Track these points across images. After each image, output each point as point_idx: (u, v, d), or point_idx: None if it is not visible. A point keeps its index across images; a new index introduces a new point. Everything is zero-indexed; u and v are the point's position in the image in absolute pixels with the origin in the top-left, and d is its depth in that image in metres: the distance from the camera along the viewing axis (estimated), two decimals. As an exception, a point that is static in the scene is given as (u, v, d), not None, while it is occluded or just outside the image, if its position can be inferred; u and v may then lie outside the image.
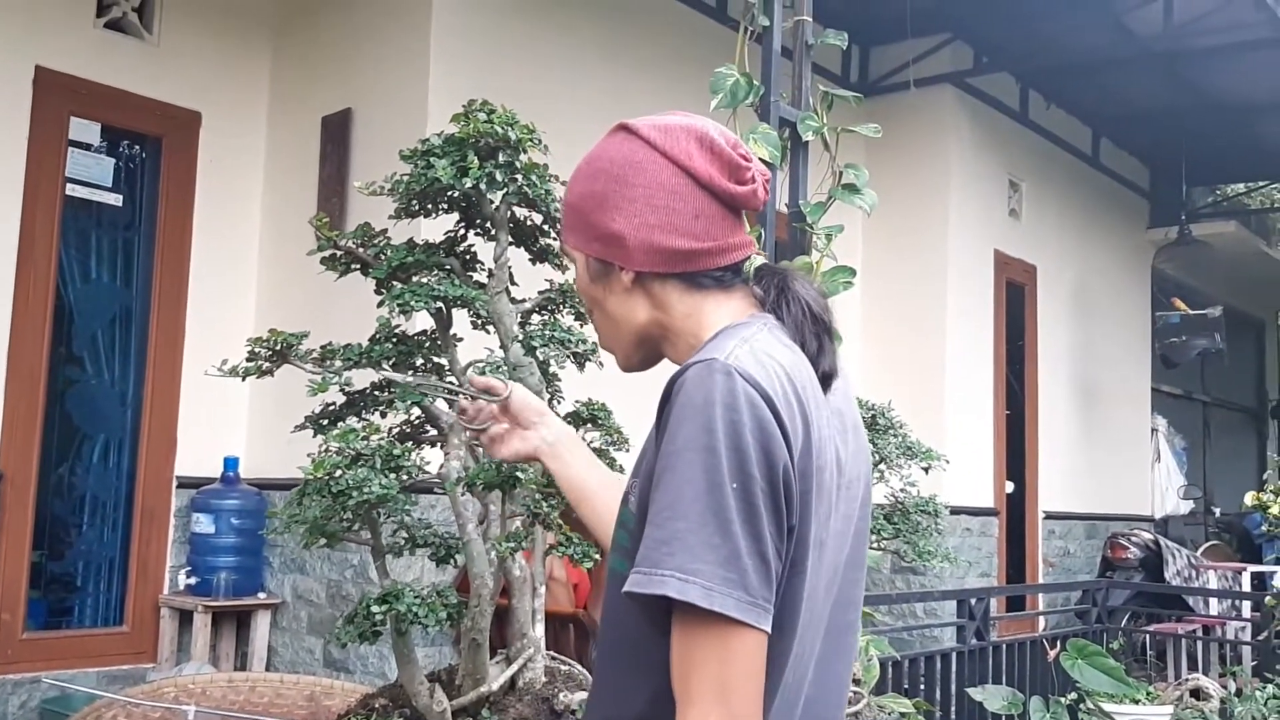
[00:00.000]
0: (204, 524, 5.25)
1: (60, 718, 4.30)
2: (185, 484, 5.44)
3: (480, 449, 1.60)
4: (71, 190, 5.23)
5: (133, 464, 5.42)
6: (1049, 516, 8.21)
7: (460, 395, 1.61)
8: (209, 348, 5.48)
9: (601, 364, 2.55)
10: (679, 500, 1.09)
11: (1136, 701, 5.01)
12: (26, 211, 5.00)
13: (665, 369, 1.43)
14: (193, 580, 5.25)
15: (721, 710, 1.07)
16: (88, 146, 5.31)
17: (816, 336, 1.28)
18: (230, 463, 5.40)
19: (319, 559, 5.18)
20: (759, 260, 1.38)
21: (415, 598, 2.03)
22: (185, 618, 5.20)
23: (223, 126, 5.70)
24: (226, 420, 5.57)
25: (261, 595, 5.34)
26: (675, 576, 1.07)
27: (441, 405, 2.35)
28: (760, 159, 3.44)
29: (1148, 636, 6.94)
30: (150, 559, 5.37)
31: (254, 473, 5.47)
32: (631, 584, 1.10)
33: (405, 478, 2.09)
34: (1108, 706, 4.93)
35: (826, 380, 1.27)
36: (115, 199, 5.45)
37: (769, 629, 1.10)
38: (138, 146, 5.57)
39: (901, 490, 3.30)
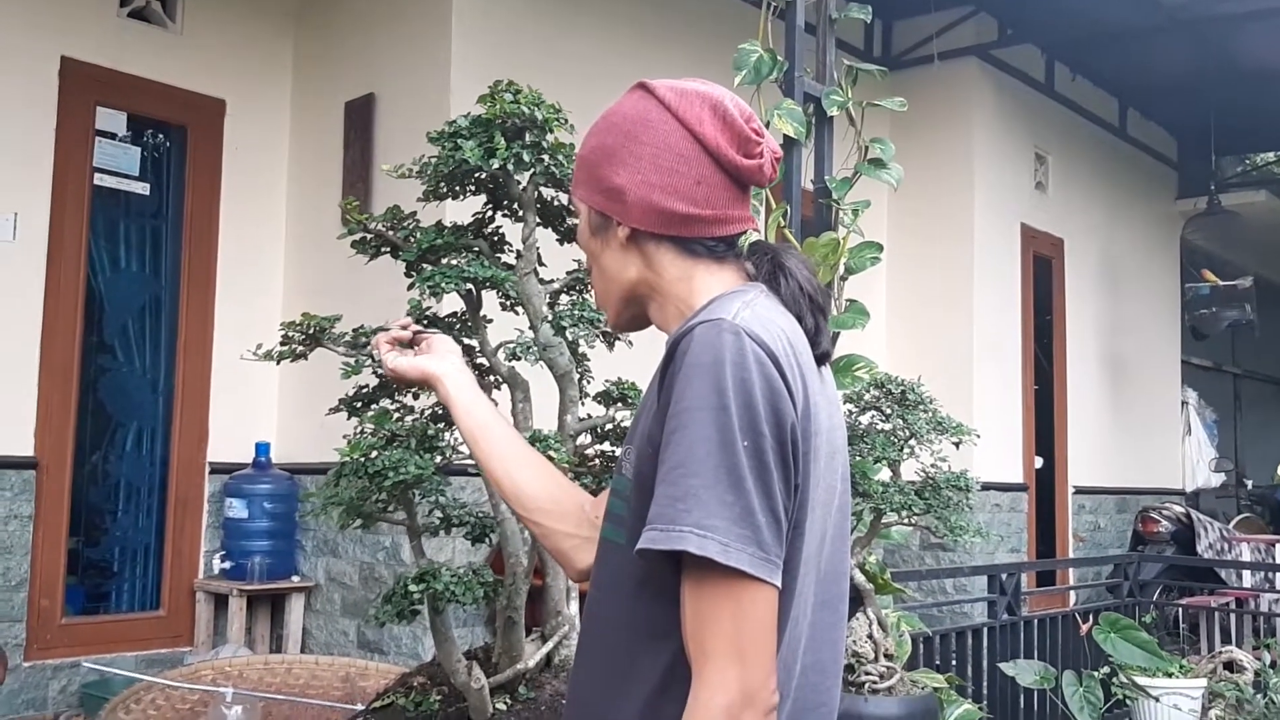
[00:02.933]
0: (237, 509, 5.31)
1: (100, 701, 4.36)
2: (218, 470, 5.50)
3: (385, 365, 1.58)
4: (99, 180, 5.28)
5: (165, 451, 5.48)
6: (1079, 491, 8.17)
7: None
8: (238, 334, 5.53)
9: (630, 343, 2.56)
10: (692, 458, 1.10)
11: (1170, 675, 4.99)
12: (56, 202, 5.05)
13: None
14: (227, 565, 5.31)
15: (738, 665, 1.08)
16: (114, 136, 5.36)
17: (812, 314, 1.29)
18: (262, 448, 5.45)
19: (351, 542, 5.23)
20: (754, 237, 1.39)
21: (452, 576, 2.05)
22: (220, 602, 5.26)
23: (247, 114, 5.73)
24: (257, 406, 5.62)
25: (295, 579, 5.39)
26: (693, 532, 1.08)
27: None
28: (785, 135, 3.45)
29: (1180, 610, 6.90)
30: (185, 544, 5.43)
31: (285, 458, 5.51)
32: (648, 541, 1.10)
33: (440, 458, 2.10)
34: (1141, 680, 4.92)
35: (823, 360, 1.28)
36: (142, 188, 5.49)
37: (780, 584, 1.11)
38: (163, 135, 5.61)
39: (932, 466, 3.28)
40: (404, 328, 1.59)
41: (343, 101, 5.57)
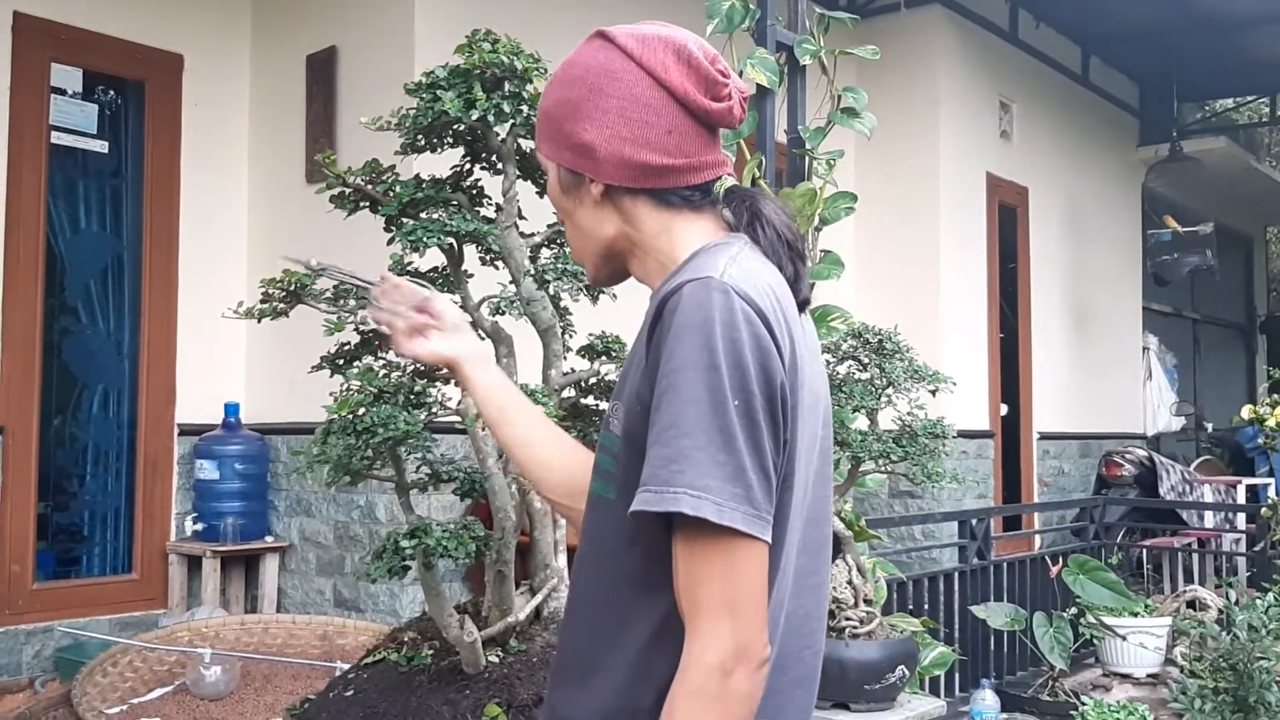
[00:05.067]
0: (208, 470, 5.26)
1: (76, 665, 4.34)
2: (187, 431, 5.44)
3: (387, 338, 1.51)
4: (56, 138, 5.16)
5: (133, 413, 5.42)
6: (1043, 437, 8.28)
7: (373, 287, 1.52)
8: (203, 293, 5.46)
9: (615, 296, 2.55)
10: (683, 418, 1.10)
11: (1136, 614, 5.11)
12: (12, 161, 4.93)
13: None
14: (199, 526, 5.27)
15: (731, 621, 1.09)
16: (70, 93, 5.23)
17: (791, 261, 1.28)
18: (231, 409, 5.39)
19: (325, 501, 5.21)
20: (729, 181, 1.37)
21: (443, 531, 2.05)
22: (194, 563, 5.23)
23: (206, 69, 5.61)
24: (225, 366, 5.57)
25: (269, 539, 5.37)
26: (687, 493, 1.08)
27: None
28: (759, 84, 3.43)
29: (1144, 551, 7.04)
30: (155, 507, 5.38)
31: (255, 418, 5.47)
32: (642, 503, 1.11)
33: (428, 414, 2.09)
34: (1108, 620, 5.02)
35: (803, 308, 1.28)
36: (101, 146, 5.37)
37: (770, 540, 1.12)
38: (121, 91, 5.48)
39: (909, 414, 3.31)
40: (379, 287, 1.53)
41: (304, 55, 5.47)
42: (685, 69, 1.25)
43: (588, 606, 1.26)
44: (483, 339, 2.44)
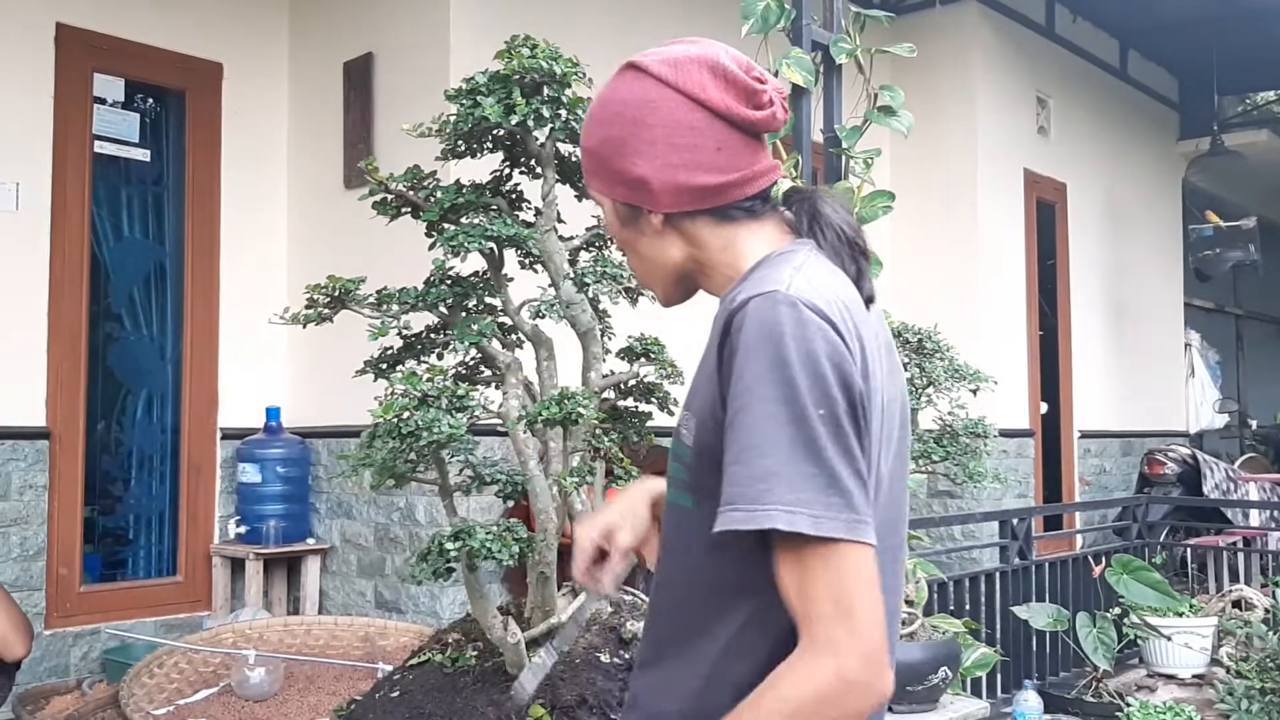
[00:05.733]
0: (250, 474, 5.32)
1: (122, 667, 4.40)
2: (229, 435, 5.51)
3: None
4: (99, 148, 5.23)
5: (176, 417, 5.49)
6: (1084, 435, 8.20)
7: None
8: (244, 298, 5.52)
9: (654, 298, 2.55)
10: (764, 436, 1.10)
11: (1181, 614, 5.05)
12: (57, 171, 5.01)
13: (710, 299, 1.43)
14: (242, 529, 5.33)
15: (845, 624, 1.09)
16: (112, 103, 5.31)
17: (854, 260, 1.28)
18: (272, 412, 5.45)
19: (365, 504, 5.25)
20: (785, 184, 1.37)
21: (487, 533, 2.06)
22: (237, 566, 5.29)
23: (245, 77, 5.67)
24: (266, 370, 5.63)
25: (310, 541, 5.42)
26: (780, 509, 1.08)
27: (497, 346, 2.36)
28: (795, 84, 3.43)
29: (1188, 550, 6.95)
30: (199, 510, 5.45)
31: (296, 422, 5.52)
32: (733, 521, 1.10)
33: (471, 418, 2.10)
34: (1153, 620, 4.97)
35: (867, 304, 1.28)
36: (143, 154, 5.45)
37: (875, 542, 1.12)
38: (162, 100, 5.55)
39: (949, 413, 3.30)
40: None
41: (341, 61, 5.51)
42: (723, 84, 1.25)
43: (667, 614, 1.28)
44: (523, 342, 2.47)
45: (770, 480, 1.09)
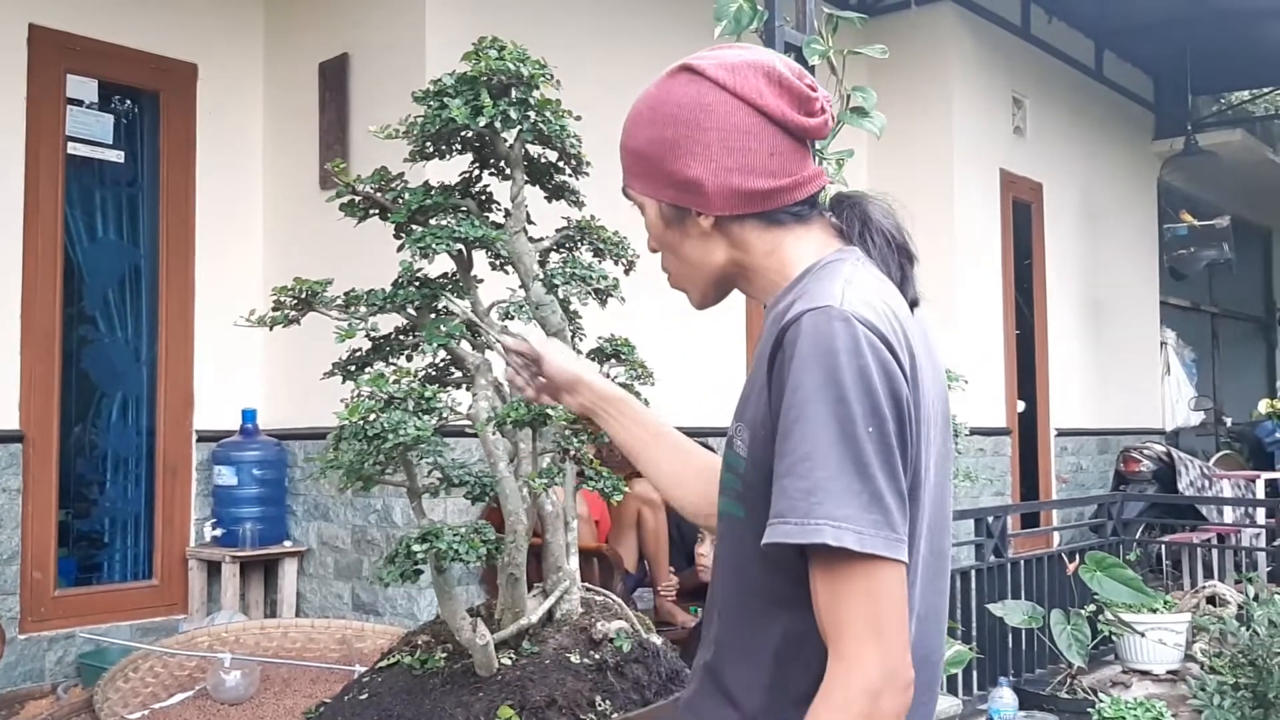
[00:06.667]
0: (226, 476, 5.30)
1: (98, 671, 4.38)
2: (205, 437, 5.49)
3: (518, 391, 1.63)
4: (73, 149, 5.21)
5: (151, 420, 5.46)
6: (1061, 433, 8.26)
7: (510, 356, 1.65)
8: (219, 299, 5.50)
9: (623, 300, 2.56)
10: (816, 450, 1.11)
11: (1155, 611, 5.09)
12: (30, 172, 4.99)
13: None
14: (218, 532, 5.31)
15: (875, 642, 1.11)
16: (86, 104, 5.28)
17: (900, 265, 1.30)
18: (248, 415, 5.43)
19: (342, 506, 5.24)
20: (833, 189, 1.39)
21: (454, 535, 2.06)
22: (213, 569, 5.28)
23: (220, 78, 5.65)
24: (242, 373, 5.61)
25: (287, 544, 5.41)
26: (828, 524, 1.10)
27: (466, 347, 2.36)
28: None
29: (1163, 547, 7.01)
30: (175, 513, 5.43)
31: (272, 424, 5.51)
32: (784, 534, 1.12)
33: (438, 419, 2.10)
34: (1127, 616, 5.01)
35: (911, 308, 1.30)
36: (117, 156, 5.42)
37: (907, 560, 1.14)
38: (136, 101, 5.53)
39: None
40: (517, 352, 1.63)
41: (316, 62, 5.50)
42: (779, 90, 1.27)
43: (721, 624, 1.30)
44: (492, 344, 2.46)
45: (819, 494, 1.11)
